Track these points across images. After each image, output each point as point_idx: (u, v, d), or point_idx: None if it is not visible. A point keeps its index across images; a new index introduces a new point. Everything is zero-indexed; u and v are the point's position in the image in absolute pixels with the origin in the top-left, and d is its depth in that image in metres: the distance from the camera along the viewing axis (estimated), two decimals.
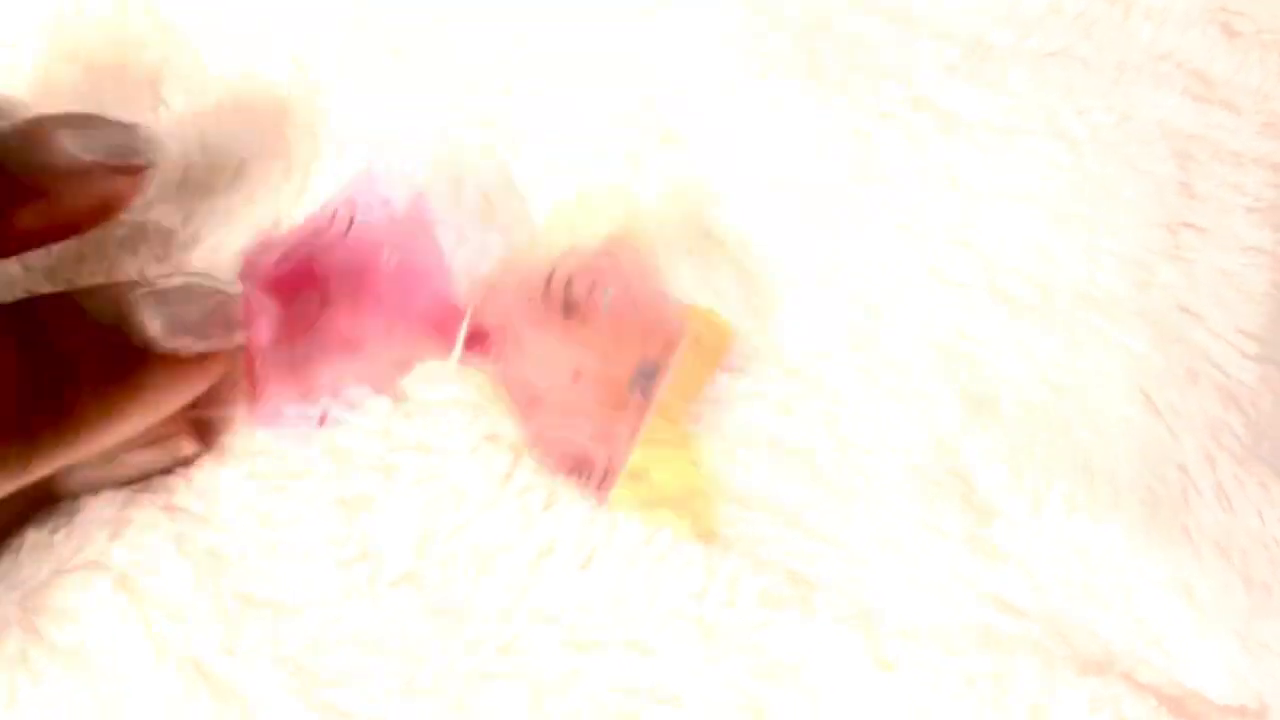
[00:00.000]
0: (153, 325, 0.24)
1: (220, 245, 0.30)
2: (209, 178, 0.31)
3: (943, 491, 0.30)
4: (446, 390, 0.29)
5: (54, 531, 0.27)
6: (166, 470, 0.28)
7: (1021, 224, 0.32)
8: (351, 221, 0.26)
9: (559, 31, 0.33)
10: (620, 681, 0.28)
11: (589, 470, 0.26)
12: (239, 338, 0.25)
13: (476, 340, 0.27)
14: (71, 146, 0.25)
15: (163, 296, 0.24)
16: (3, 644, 0.26)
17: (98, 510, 0.28)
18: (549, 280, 0.27)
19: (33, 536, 0.27)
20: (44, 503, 0.27)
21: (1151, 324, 0.31)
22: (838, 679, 0.29)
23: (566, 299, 0.27)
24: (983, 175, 0.33)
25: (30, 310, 0.23)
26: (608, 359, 0.27)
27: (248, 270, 0.25)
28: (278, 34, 0.32)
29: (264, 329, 0.25)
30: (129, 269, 0.30)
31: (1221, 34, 0.35)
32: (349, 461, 0.28)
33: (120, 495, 0.28)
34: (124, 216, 0.28)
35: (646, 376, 0.26)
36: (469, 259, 0.31)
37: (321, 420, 0.27)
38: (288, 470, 0.28)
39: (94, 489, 0.27)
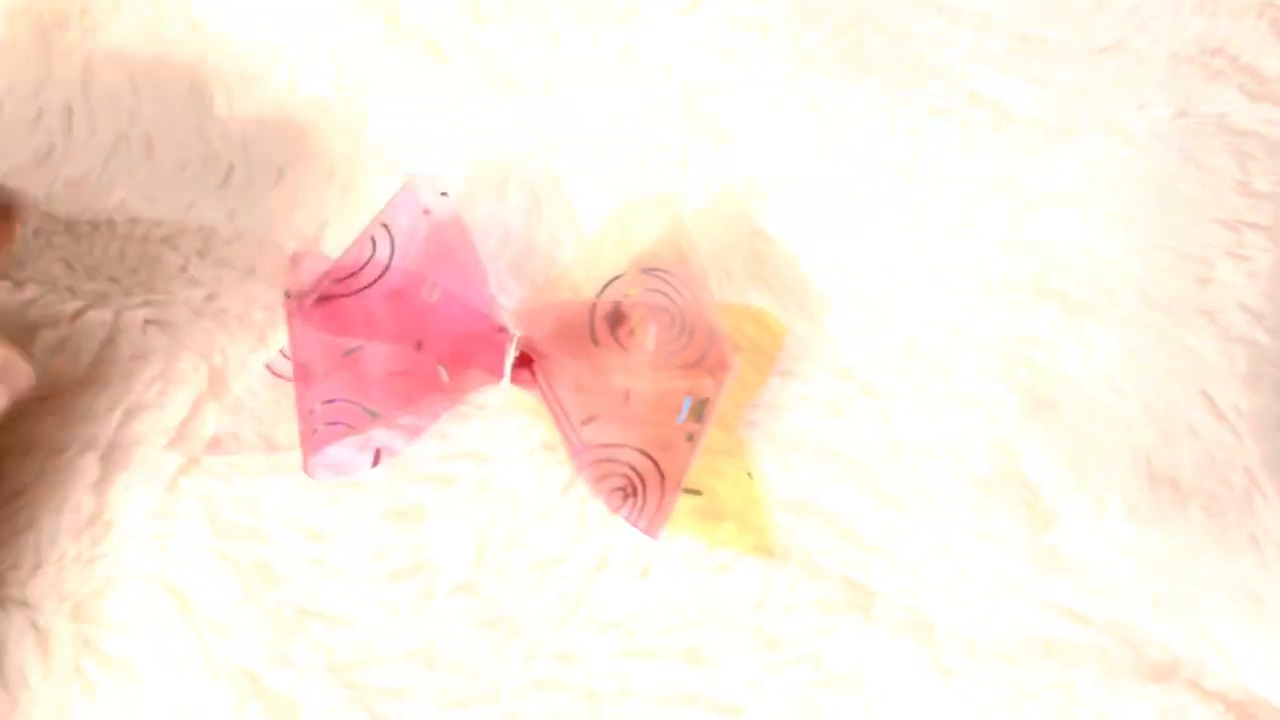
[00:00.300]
0: None
1: (263, 243, 0.30)
2: (251, 177, 0.31)
3: (1001, 497, 0.30)
4: (501, 393, 0.29)
5: (99, 542, 0.27)
6: None
7: (1078, 223, 0.32)
8: (391, 253, 0.26)
9: (599, 29, 0.33)
10: (677, 690, 0.28)
11: (640, 501, 0.26)
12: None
13: (525, 363, 0.27)
14: None
15: None
16: (56, 655, 0.26)
17: (145, 523, 0.27)
18: (595, 308, 0.27)
19: (76, 549, 0.27)
20: None
21: (1213, 323, 0.30)
22: (897, 688, 0.28)
23: (615, 325, 0.26)
24: (1037, 173, 0.32)
25: None
26: (662, 387, 0.26)
27: (291, 311, 0.25)
28: (318, 36, 0.32)
29: (309, 372, 0.25)
30: (171, 263, 0.30)
31: (1271, 30, 0.34)
32: (403, 471, 0.28)
33: (166, 507, 0.27)
34: (166, 215, 0.28)
35: (698, 409, 0.26)
36: (515, 261, 0.30)
37: (375, 459, 0.26)
38: (339, 480, 0.28)
39: None
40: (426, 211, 0.26)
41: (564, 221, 0.31)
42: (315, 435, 0.24)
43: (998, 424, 0.30)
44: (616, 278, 0.27)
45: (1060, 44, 0.34)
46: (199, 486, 0.28)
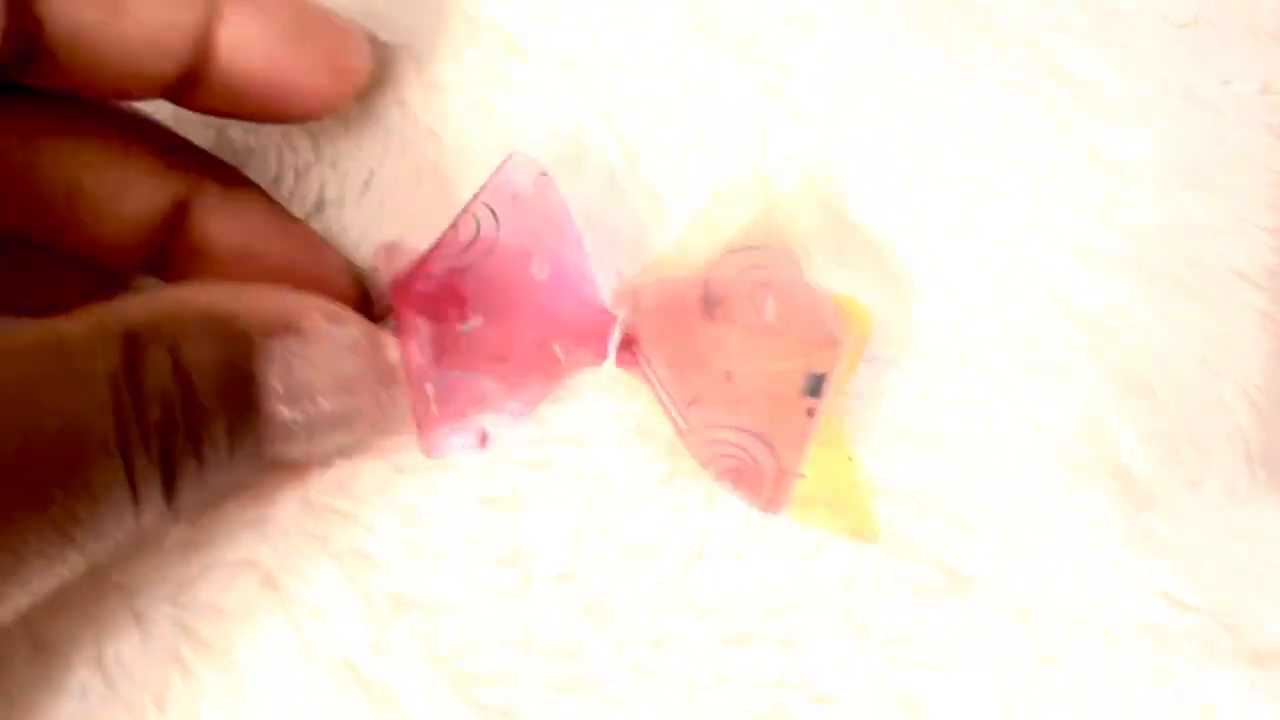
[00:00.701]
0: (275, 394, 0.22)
1: (356, 256, 0.29)
2: (341, 191, 0.30)
3: (1096, 477, 0.29)
4: (598, 375, 0.28)
5: (200, 528, 0.27)
6: None
7: (1166, 197, 0.31)
8: (497, 229, 0.25)
9: (676, 8, 0.32)
10: (772, 676, 0.28)
11: (756, 479, 0.25)
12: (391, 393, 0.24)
13: (628, 345, 0.26)
14: None
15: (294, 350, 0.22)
16: (155, 639, 0.26)
17: (241, 508, 0.27)
18: (704, 289, 0.26)
19: (178, 533, 0.27)
20: None
21: None
22: (995, 672, 0.28)
23: (722, 306, 0.26)
24: (1123, 146, 0.31)
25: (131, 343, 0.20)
26: (770, 365, 0.26)
27: (397, 293, 0.24)
28: (396, 36, 0.31)
29: (420, 353, 0.24)
30: None
31: None
32: (500, 456, 0.28)
33: (262, 493, 0.27)
34: None
35: (815, 383, 0.26)
36: (599, 241, 0.30)
37: (483, 440, 0.26)
38: (435, 463, 0.27)
39: None
40: (525, 191, 0.25)
41: (645, 201, 0.30)
42: (430, 416, 0.24)
43: (1089, 405, 0.30)
44: (721, 256, 0.27)
45: (1136, 14, 0.33)
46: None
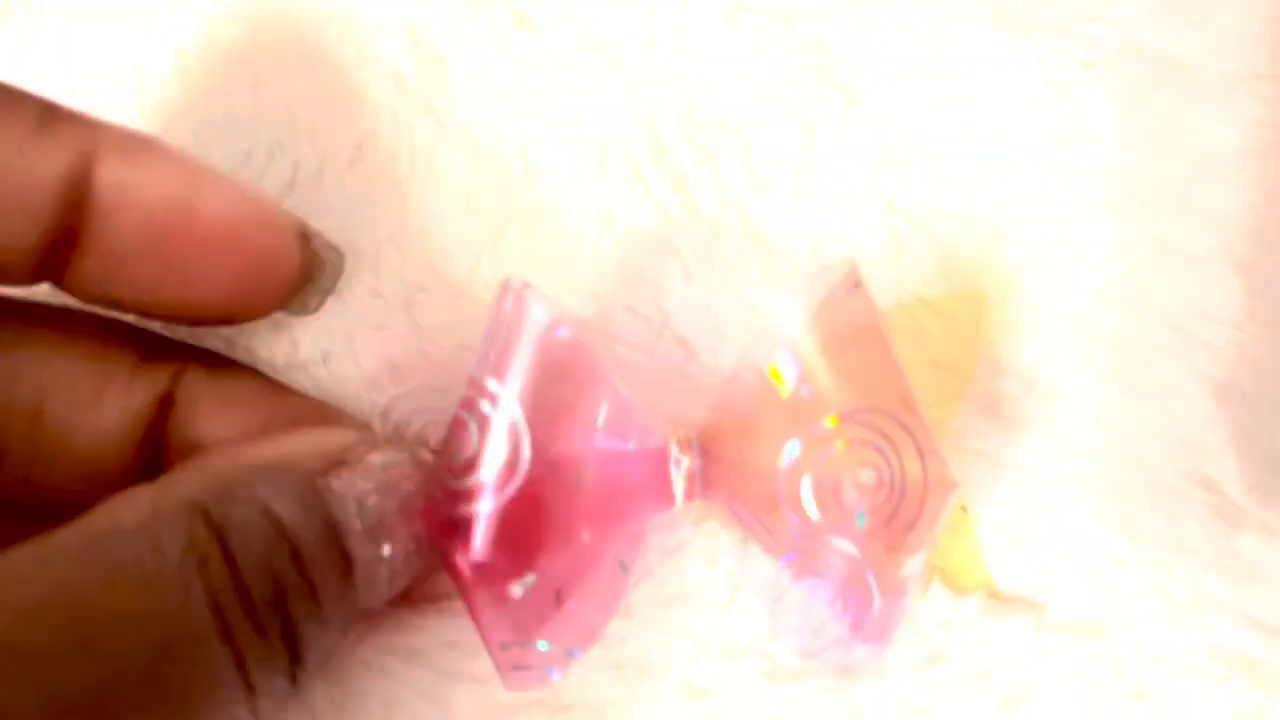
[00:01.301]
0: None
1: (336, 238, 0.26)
2: (321, 169, 0.28)
3: (1183, 497, 0.26)
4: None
5: None
6: None
7: (1257, 183, 0.28)
8: (524, 446, 0.20)
9: None
10: (828, 714, 0.25)
11: (860, 609, 0.22)
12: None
13: (695, 482, 0.23)
14: None
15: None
16: None
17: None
18: (783, 478, 0.22)
19: None
20: None
21: None
22: (1074, 706, 0.25)
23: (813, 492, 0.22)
24: (1208, 129, 0.28)
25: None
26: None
27: (448, 555, 0.20)
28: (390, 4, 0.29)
29: (486, 602, 0.20)
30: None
31: None
32: None
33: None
34: None
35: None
36: (618, 242, 0.27)
37: (572, 657, 0.22)
38: None
39: None
40: (547, 354, 0.21)
41: (674, 197, 0.28)
42: (510, 674, 0.21)
43: (1176, 416, 0.27)
44: (807, 434, 0.22)
45: None
46: None
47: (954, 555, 0.25)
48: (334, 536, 0.18)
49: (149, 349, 0.22)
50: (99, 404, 0.21)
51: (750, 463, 0.22)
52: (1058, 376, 0.27)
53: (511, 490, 0.20)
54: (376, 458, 0.20)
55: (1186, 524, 0.26)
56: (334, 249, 0.24)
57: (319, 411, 0.24)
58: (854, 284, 0.22)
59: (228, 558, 0.16)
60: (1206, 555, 0.26)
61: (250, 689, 0.17)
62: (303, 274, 0.22)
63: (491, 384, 0.20)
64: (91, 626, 0.15)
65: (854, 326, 0.22)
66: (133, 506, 0.17)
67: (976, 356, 0.26)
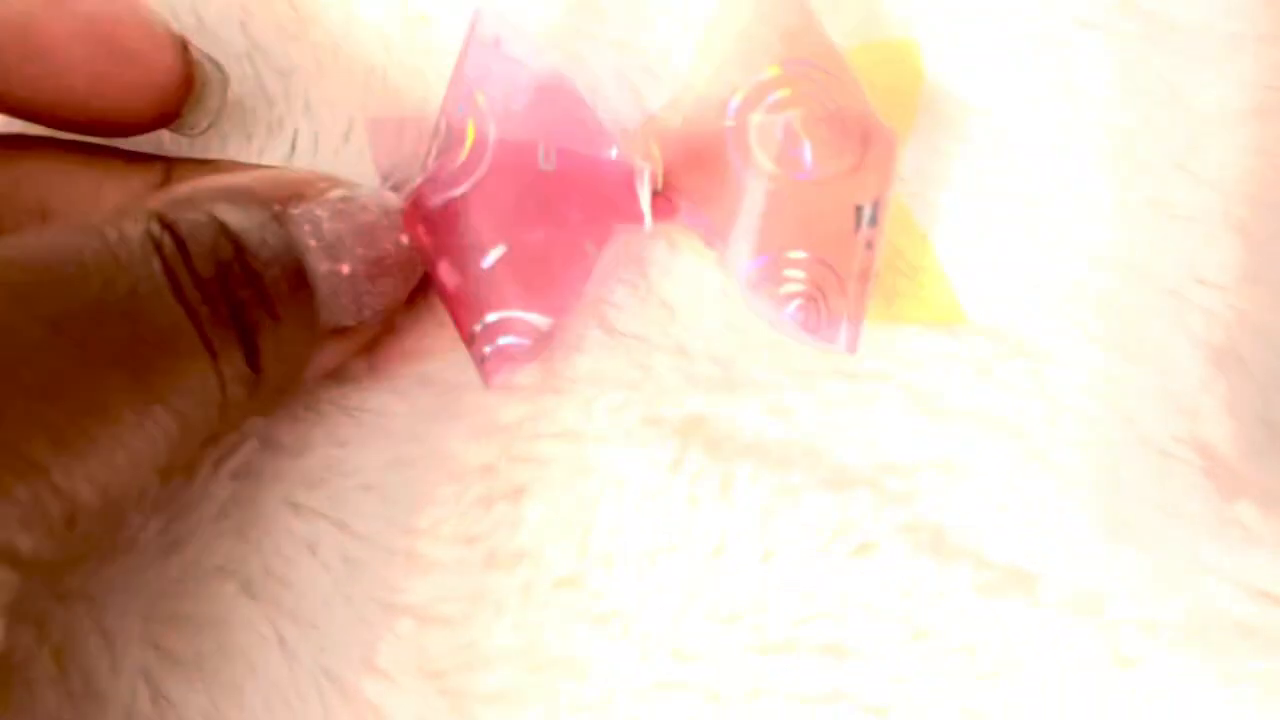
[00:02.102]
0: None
1: None
2: (316, 141, 0.27)
3: (1179, 463, 0.26)
4: (594, 362, 0.25)
5: (172, 534, 0.24)
6: None
7: (1256, 144, 0.27)
8: (491, 127, 0.23)
9: None
10: (815, 689, 0.24)
11: (825, 312, 0.23)
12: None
13: (664, 199, 0.24)
14: None
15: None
16: (123, 655, 0.23)
17: (221, 511, 0.24)
18: (730, 134, 0.23)
19: (152, 538, 0.24)
20: None
21: None
22: (1069, 679, 0.25)
23: (760, 146, 0.23)
24: (1207, 90, 0.28)
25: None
26: (820, 202, 0.23)
27: (409, 221, 0.22)
28: None
29: (449, 274, 0.22)
30: None
31: None
32: (496, 453, 0.25)
33: (244, 493, 0.24)
34: None
35: (870, 215, 0.23)
36: (616, 113, 0.27)
37: (545, 345, 0.23)
38: (428, 460, 0.25)
39: None
40: (504, 60, 0.23)
41: (663, 59, 0.27)
42: (486, 361, 0.22)
43: (1172, 379, 0.26)
44: (751, 83, 0.24)
45: None
46: (278, 468, 0.24)
47: (919, 286, 0.25)
48: (288, 251, 0.20)
49: (138, 158, 0.24)
50: (98, 195, 0.23)
51: (700, 134, 0.24)
52: (1051, 340, 0.26)
53: (482, 172, 0.22)
54: (336, 192, 0.22)
55: (1182, 490, 0.25)
56: (215, 63, 0.24)
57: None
58: None
59: (178, 242, 0.19)
60: (1201, 520, 0.25)
61: (211, 350, 0.19)
62: (184, 85, 0.23)
63: (452, 93, 0.23)
64: (61, 276, 0.17)
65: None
66: (101, 213, 0.19)
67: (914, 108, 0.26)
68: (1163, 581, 0.25)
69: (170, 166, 0.24)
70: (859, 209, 0.24)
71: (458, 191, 0.22)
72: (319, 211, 0.21)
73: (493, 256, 0.22)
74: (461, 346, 0.23)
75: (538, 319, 0.23)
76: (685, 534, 0.25)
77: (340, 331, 0.22)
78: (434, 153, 0.23)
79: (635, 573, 0.25)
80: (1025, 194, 0.27)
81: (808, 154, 0.23)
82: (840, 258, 0.24)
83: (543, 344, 0.23)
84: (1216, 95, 0.28)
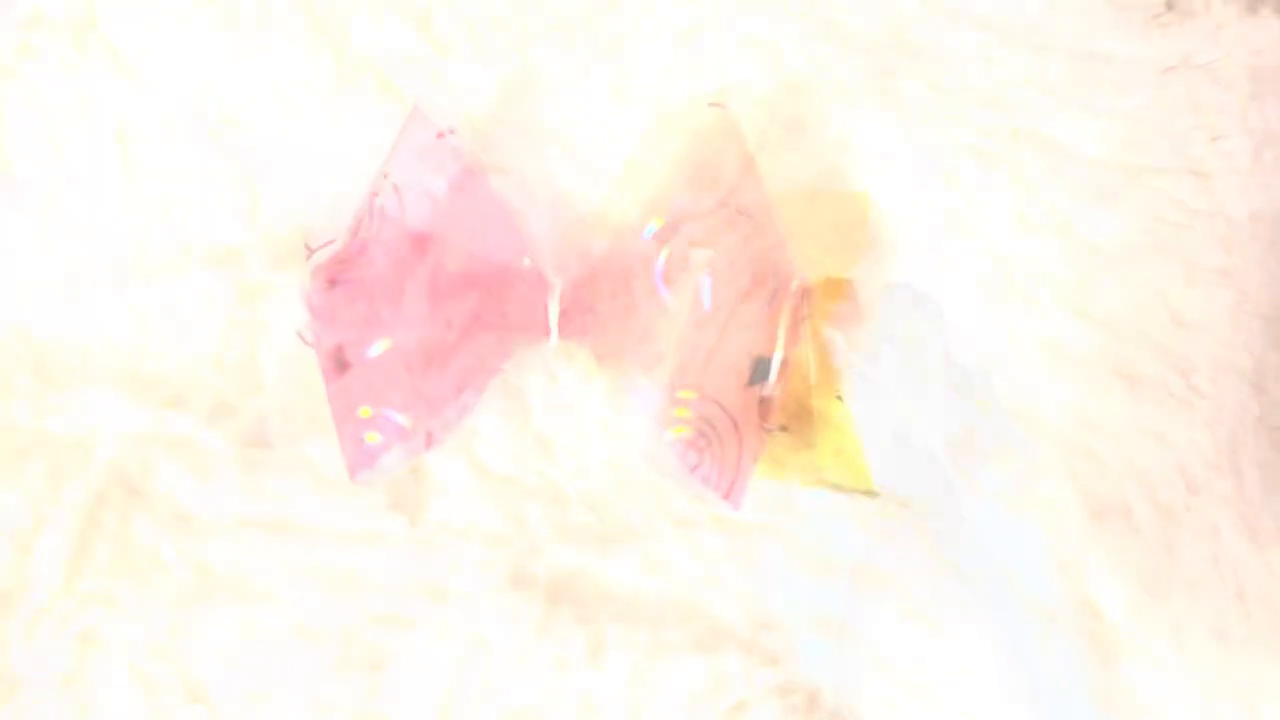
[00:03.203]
0: None
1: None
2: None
3: (1064, 625, 0.25)
4: (462, 511, 0.24)
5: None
6: None
7: (1151, 284, 0.27)
8: (402, 214, 0.23)
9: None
10: None
11: (715, 461, 0.23)
12: None
13: (573, 317, 0.23)
14: None
15: None
16: None
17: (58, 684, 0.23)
18: (644, 262, 0.23)
19: None
20: None
21: None
22: None
23: (668, 279, 0.23)
24: (1103, 224, 0.27)
25: None
26: (717, 339, 0.23)
27: (312, 301, 0.22)
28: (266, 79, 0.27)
29: (344, 371, 0.22)
30: None
31: None
32: (355, 612, 0.24)
33: (83, 662, 0.23)
34: None
35: (761, 370, 0.23)
36: (547, 214, 0.26)
37: (428, 441, 0.23)
38: (284, 624, 0.23)
39: None
40: (434, 158, 0.23)
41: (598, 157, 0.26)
42: (361, 448, 0.22)
43: (1061, 534, 0.25)
44: (671, 213, 0.24)
45: (1126, 61, 0.29)
46: (120, 632, 0.23)
47: (833, 453, 0.24)
48: None
49: None
50: None
51: (614, 254, 0.24)
52: (934, 491, 0.25)
53: (384, 261, 0.22)
54: None
55: (1065, 649, 0.25)
56: None
57: None
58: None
59: None
60: (1081, 685, 0.25)
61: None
62: None
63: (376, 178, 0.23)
64: None
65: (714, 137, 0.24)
66: None
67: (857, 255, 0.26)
68: None
69: None
70: (758, 360, 0.23)
71: (359, 274, 0.22)
72: None
73: (379, 348, 0.22)
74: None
75: (412, 422, 0.22)
76: (552, 696, 0.24)
77: None
78: (349, 233, 0.22)
79: None
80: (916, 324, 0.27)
81: (707, 292, 0.23)
82: (734, 404, 0.23)
83: (414, 450, 0.23)
84: (1109, 230, 0.27)
